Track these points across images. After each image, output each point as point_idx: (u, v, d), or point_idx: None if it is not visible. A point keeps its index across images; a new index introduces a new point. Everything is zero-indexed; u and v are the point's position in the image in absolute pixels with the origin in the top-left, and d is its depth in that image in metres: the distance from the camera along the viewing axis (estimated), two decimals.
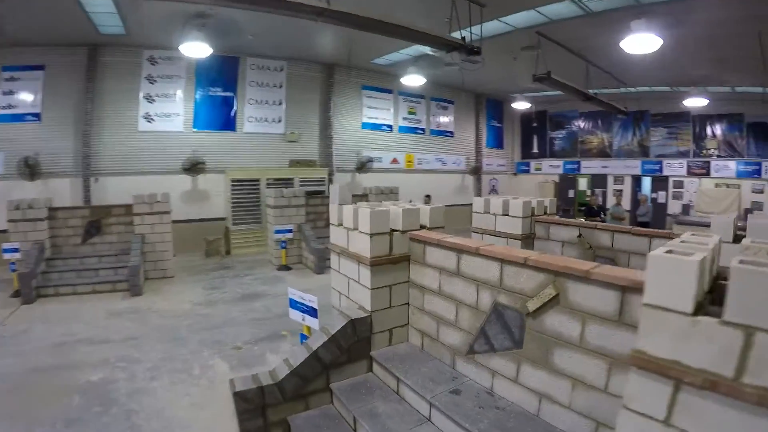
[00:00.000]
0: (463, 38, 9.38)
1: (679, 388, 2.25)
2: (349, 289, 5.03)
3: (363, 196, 13.36)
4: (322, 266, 11.10)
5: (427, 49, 13.30)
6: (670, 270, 2.28)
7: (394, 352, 4.62)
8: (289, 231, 11.65)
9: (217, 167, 14.54)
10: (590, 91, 14.23)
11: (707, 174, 17.88)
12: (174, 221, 11.13)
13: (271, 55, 15.13)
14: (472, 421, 3.45)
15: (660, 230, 6.26)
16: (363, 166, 17.51)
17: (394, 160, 18.88)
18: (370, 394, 4.31)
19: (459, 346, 4.19)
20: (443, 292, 4.29)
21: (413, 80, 15.09)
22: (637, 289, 2.79)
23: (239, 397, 4.01)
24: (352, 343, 4.51)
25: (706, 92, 15.50)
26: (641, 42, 10.22)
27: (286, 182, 14.61)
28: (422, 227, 4.75)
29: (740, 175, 17.05)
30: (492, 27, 10.96)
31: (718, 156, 17.60)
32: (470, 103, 21.83)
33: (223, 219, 14.32)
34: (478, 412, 3.56)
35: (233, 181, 14.16)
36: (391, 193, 13.70)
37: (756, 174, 16.64)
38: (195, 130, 14.46)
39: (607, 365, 3.05)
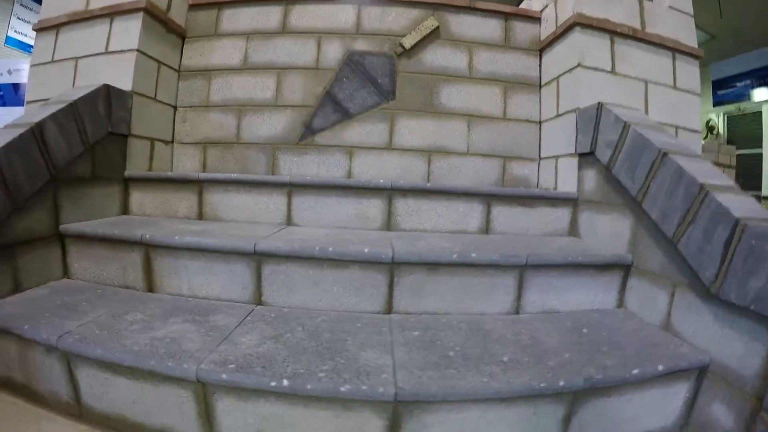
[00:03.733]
0: None
1: (613, 41, 2.46)
2: (76, 73, 2.50)
3: None
4: None
5: None
6: None
7: (164, 176, 2.53)
8: None
9: None
10: None
11: None
12: None
13: None
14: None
15: None
16: None
17: None
18: (156, 224, 2.16)
19: (282, 136, 2.76)
20: (253, 65, 2.79)
21: None
22: (519, 15, 2.88)
23: None
24: (102, 138, 2.20)
25: None
26: None
27: None
28: None
29: None
30: None
31: None
32: None
33: None
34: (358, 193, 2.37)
35: None
36: None
37: None
38: None
39: (501, 90, 2.84)
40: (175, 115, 2.86)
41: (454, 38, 2.83)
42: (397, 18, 2.82)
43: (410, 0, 2.82)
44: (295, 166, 2.76)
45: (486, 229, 2.32)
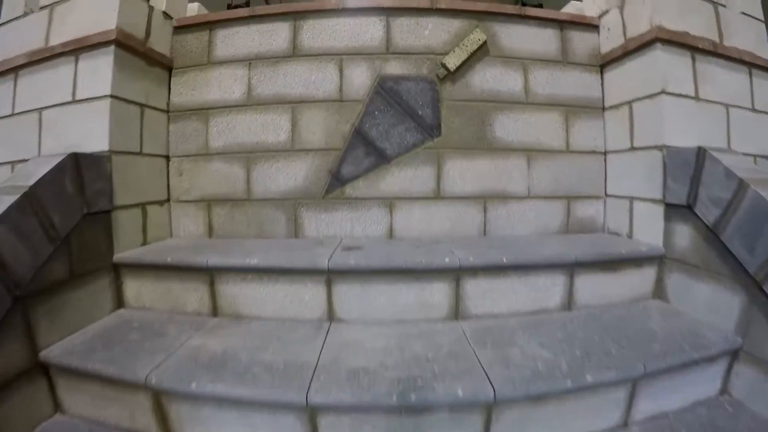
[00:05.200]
0: None
1: (695, 58, 2.01)
2: (41, 130, 1.95)
3: None
4: None
5: None
6: None
7: (164, 249, 1.99)
8: None
9: None
10: None
11: None
12: None
13: None
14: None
15: None
16: None
17: None
18: (161, 336, 1.62)
19: (304, 188, 2.23)
20: (259, 99, 2.23)
21: None
22: (575, 23, 2.37)
23: None
24: (77, 224, 1.68)
25: None
26: None
27: None
28: None
29: None
30: None
31: None
32: None
33: None
34: (417, 255, 1.90)
35: None
36: None
37: None
38: None
39: (562, 116, 2.34)
40: (168, 166, 2.29)
41: (506, 54, 2.30)
42: (435, 31, 2.28)
43: (450, 8, 2.28)
44: (323, 225, 2.23)
45: (568, 303, 1.87)
